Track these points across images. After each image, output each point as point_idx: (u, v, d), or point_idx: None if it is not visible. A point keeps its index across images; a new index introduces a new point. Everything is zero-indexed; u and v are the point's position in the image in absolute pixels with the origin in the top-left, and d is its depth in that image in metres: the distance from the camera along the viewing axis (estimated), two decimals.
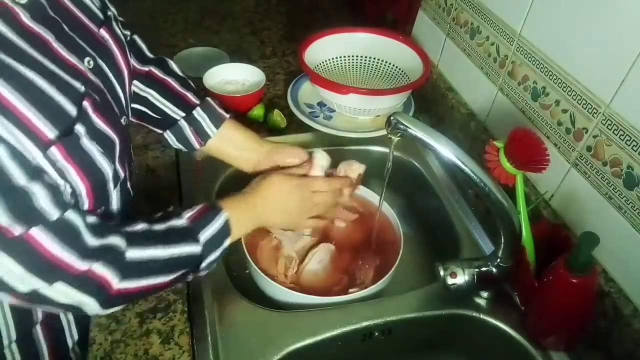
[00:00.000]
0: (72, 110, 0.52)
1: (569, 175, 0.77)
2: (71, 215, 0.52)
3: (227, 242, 0.67)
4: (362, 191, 0.92)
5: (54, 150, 0.50)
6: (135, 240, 0.58)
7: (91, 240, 0.54)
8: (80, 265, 0.52)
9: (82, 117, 0.53)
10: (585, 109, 0.73)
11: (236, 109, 1.09)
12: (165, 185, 0.93)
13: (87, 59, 0.57)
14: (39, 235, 0.49)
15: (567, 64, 0.75)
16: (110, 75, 0.62)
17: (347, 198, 0.84)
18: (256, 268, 0.78)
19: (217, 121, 0.81)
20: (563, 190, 0.78)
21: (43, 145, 0.49)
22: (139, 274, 0.58)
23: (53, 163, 0.51)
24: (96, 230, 0.55)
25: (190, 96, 0.80)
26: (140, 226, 0.61)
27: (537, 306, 0.71)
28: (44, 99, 0.49)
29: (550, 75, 0.79)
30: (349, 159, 0.87)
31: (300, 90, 1.15)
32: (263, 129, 1.08)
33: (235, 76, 1.17)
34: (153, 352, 0.68)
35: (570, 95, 0.75)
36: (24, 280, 0.50)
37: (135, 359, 0.67)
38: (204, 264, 0.65)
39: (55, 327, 0.71)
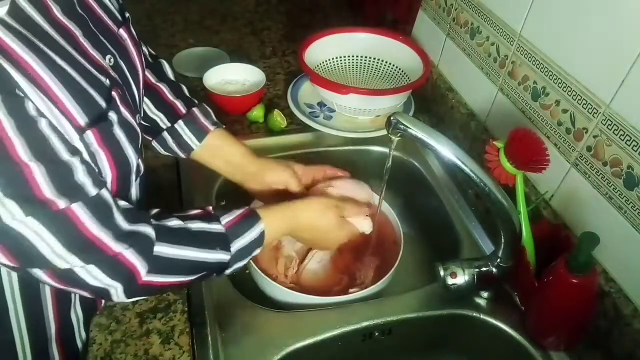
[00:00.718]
0: (100, 100, 0.54)
1: (569, 175, 0.77)
2: (106, 195, 0.54)
3: (256, 252, 0.67)
4: None
5: (90, 134, 0.52)
6: (166, 235, 0.59)
7: (123, 223, 0.55)
8: (114, 246, 0.53)
9: (112, 106, 0.55)
10: (585, 109, 0.73)
11: (236, 109, 1.09)
12: (165, 185, 0.93)
13: (108, 56, 0.59)
14: (79, 211, 0.50)
15: (567, 64, 0.75)
16: (128, 73, 0.63)
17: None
18: (256, 268, 0.78)
19: (200, 133, 0.79)
20: (563, 190, 0.78)
21: (78, 128, 0.51)
22: (165, 270, 0.59)
23: (87, 146, 0.53)
24: (127, 214, 0.56)
25: (179, 105, 0.80)
26: (174, 222, 0.61)
27: (537, 306, 0.71)
28: (76, 87, 0.51)
29: (550, 75, 0.78)
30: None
31: (300, 90, 1.15)
32: (263, 129, 1.08)
33: (235, 76, 1.17)
34: (153, 352, 0.68)
35: (570, 95, 0.75)
36: (62, 257, 0.51)
37: (135, 359, 0.67)
38: (228, 271, 0.65)
39: (66, 327, 0.71)
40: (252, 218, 0.66)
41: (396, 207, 0.91)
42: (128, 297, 0.58)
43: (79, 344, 0.74)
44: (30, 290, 0.64)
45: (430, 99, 1.13)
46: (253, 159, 0.82)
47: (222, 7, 1.57)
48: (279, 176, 0.82)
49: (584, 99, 0.73)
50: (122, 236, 0.54)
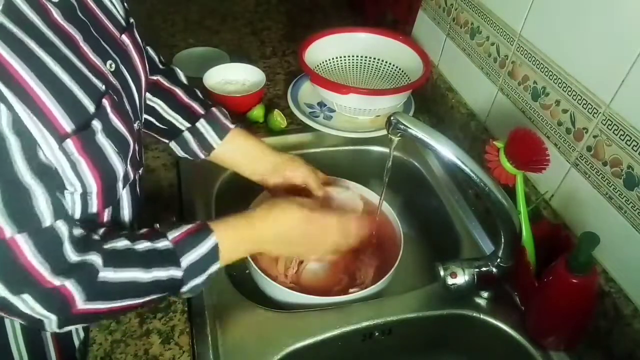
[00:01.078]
0: (90, 106, 0.53)
1: (569, 175, 0.77)
2: (60, 226, 0.51)
3: (213, 268, 0.62)
4: (362, 191, 0.92)
5: (70, 143, 0.51)
6: (112, 259, 0.56)
7: (71, 255, 0.52)
8: (52, 279, 0.51)
9: (100, 113, 0.54)
10: (585, 109, 0.73)
11: (236, 109, 1.09)
12: (165, 185, 0.93)
13: (109, 62, 0.58)
14: (22, 242, 0.48)
15: (567, 64, 0.75)
16: (129, 79, 0.63)
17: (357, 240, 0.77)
18: (256, 268, 0.78)
19: (222, 132, 0.80)
20: (563, 190, 0.78)
21: (59, 136, 0.50)
22: (111, 295, 0.56)
23: (67, 155, 0.52)
24: (79, 244, 0.53)
25: (196, 107, 0.80)
26: (122, 243, 0.58)
27: (537, 306, 0.71)
28: (65, 93, 0.51)
29: (550, 75, 0.79)
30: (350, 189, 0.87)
31: (300, 90, 1.15)
32: (263, 129, 1.08)
33: (235, 76, 1.17)
34: (153, 352, 0.68)
35: (570, 95, 0.75)
36: None
37: (135, 359, 0.67)
38: (184, 289, 0.61)
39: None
40: (202, 232, 0.62)
41: (396, 207, 0.91)
42: (60, 326, 0.55)
43: (77, 344, 0.74)
44: None
45: (430, 99, 1.13)
46: (275, 152, 0.83)
47: (222, 7, 1.57)
48: (296, 170, 0.82)
49: (584, 99, 0.73)
50: (66, 269, 0.52)
